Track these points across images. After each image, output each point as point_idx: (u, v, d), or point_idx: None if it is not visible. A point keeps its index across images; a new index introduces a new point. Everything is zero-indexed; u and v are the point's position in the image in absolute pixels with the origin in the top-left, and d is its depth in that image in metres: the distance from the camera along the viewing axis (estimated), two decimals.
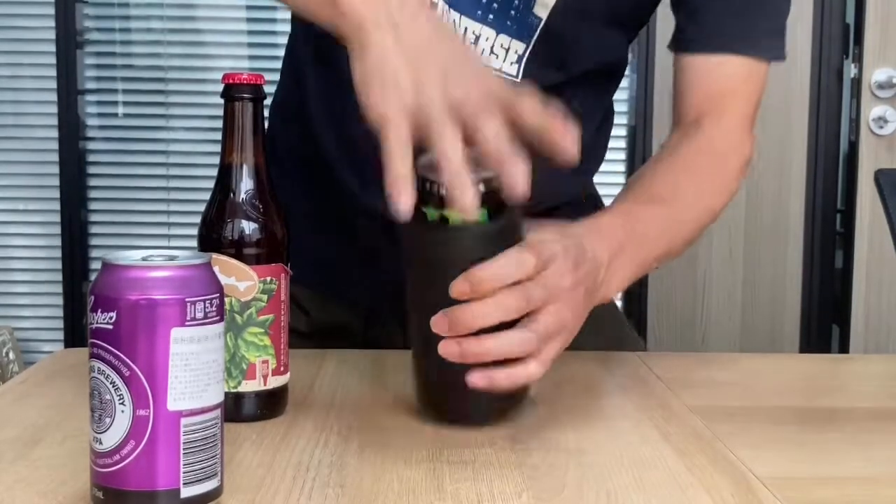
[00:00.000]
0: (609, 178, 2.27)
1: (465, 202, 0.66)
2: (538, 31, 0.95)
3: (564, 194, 1.04)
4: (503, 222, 0.71)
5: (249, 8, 2.72)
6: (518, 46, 0.95)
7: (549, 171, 1.07)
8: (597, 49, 1.00)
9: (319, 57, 1.01)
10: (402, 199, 0.65)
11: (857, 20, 2.57)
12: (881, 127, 2.55)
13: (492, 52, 0.95)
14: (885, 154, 2.56)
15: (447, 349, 0.69)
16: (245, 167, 0.74)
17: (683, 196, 0.95)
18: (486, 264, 0.69)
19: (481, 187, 0.68)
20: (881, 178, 1.22)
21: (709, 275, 2.63)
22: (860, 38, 2.55)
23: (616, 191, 0.98)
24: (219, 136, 0.75)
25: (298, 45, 1.07)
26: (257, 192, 0.74)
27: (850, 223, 2.59)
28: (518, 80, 0.96)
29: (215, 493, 0.57)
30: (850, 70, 2.59)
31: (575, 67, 0.99)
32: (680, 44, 1.02)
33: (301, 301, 1.01)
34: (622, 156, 2.65)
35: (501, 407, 0.75)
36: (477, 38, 0.94)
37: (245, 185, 0.74)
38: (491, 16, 0.94)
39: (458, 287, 0.68)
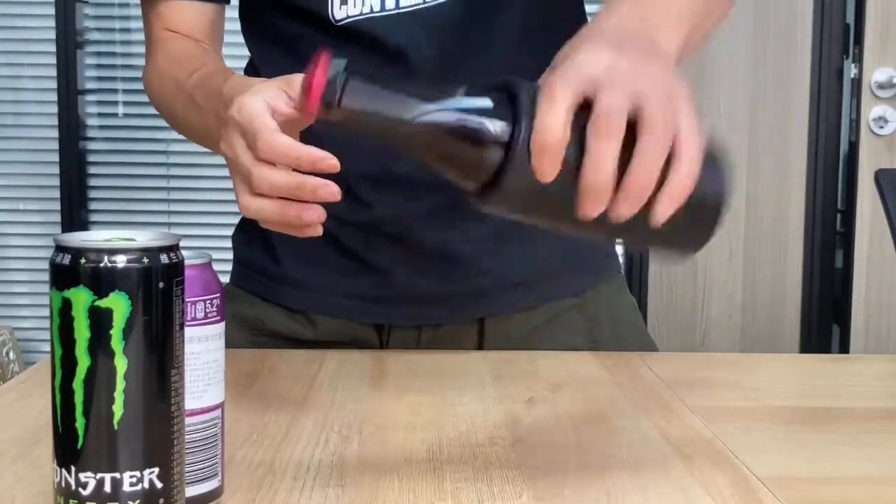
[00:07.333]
0: None
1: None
2: None
3: None
4: None
5: None
6: None
7: None
8: None
9: None
10: None
11: (857, 20, 2.57)
12: (881, 127, 2.55)
13: None
14: (885, 154, 2.56)
15: (619, 211, 0.59)
16: None
17: None
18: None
19: None
20: (881, 178, 1.21)
21: (709, 275, 2.63)
22: (860, 38, 2.55)
23: None
24: None
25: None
26: None
27: (850, 223, 2.59)
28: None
29: (216, 492, 0.57)
30: (850, 70, 2.59)
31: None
32: None
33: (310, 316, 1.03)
34: None
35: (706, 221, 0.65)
36: None
37: None
38: None
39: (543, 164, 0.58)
